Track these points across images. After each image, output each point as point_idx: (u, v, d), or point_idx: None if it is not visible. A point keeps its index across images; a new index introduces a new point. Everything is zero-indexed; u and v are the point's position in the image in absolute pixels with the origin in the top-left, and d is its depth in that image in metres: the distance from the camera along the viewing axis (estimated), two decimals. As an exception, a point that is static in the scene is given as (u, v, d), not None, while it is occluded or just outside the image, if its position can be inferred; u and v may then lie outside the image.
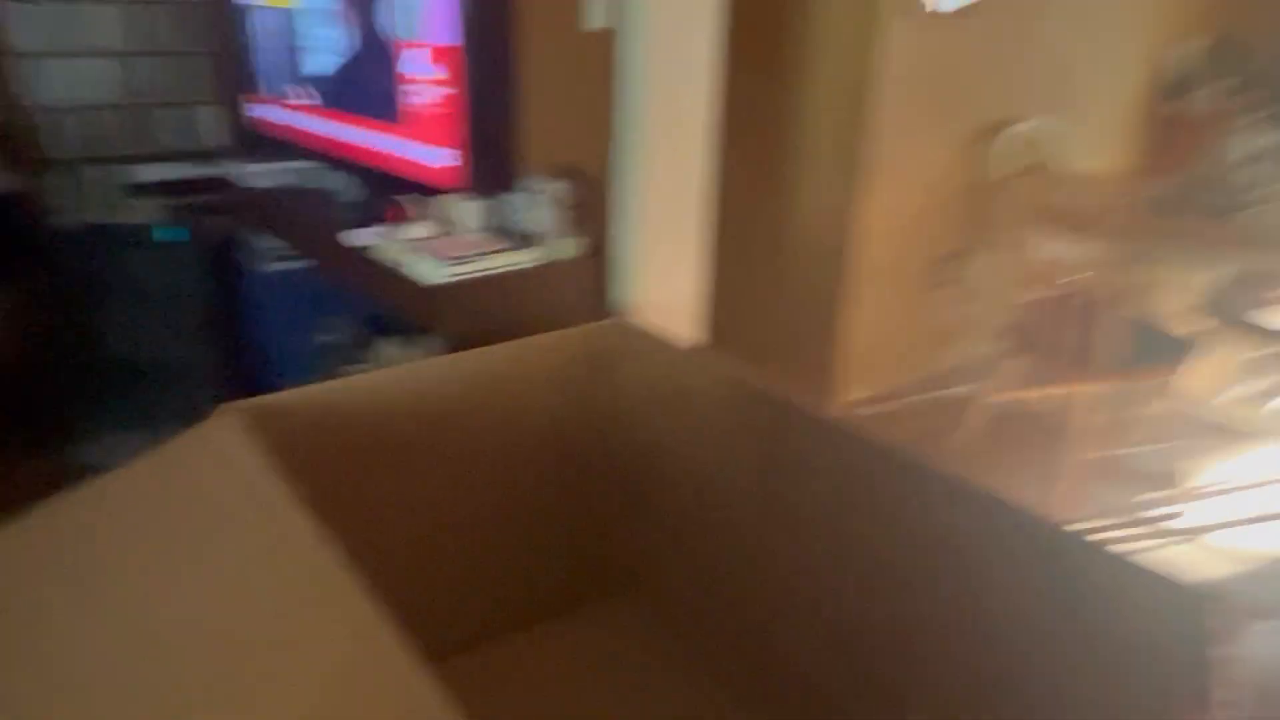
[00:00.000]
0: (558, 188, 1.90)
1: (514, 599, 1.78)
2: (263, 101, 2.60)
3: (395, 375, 1.57)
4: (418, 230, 1.88)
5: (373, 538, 1.56)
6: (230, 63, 2.74)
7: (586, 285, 1.98)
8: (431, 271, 1.76)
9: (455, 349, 1.78)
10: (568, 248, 1.93)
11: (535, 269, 1.88)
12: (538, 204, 1.88)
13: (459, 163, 1.95)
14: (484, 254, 1.80)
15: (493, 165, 1.94)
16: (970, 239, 3.28)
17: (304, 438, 1.48)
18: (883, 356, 3.20)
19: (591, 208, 1.99)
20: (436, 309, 1.77)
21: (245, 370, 2.72)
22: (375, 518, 1.55)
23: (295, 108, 2.44)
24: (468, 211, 1.91)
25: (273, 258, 2.53)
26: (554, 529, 1.80)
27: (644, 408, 1.82)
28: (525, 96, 1.94)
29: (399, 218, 2.03)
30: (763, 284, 3.25)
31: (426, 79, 1.97)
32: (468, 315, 1.79)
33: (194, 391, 2.55)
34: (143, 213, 2.55)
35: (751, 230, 3.28)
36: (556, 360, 1.78)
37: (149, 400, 2.55)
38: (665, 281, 2.05)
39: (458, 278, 1.77)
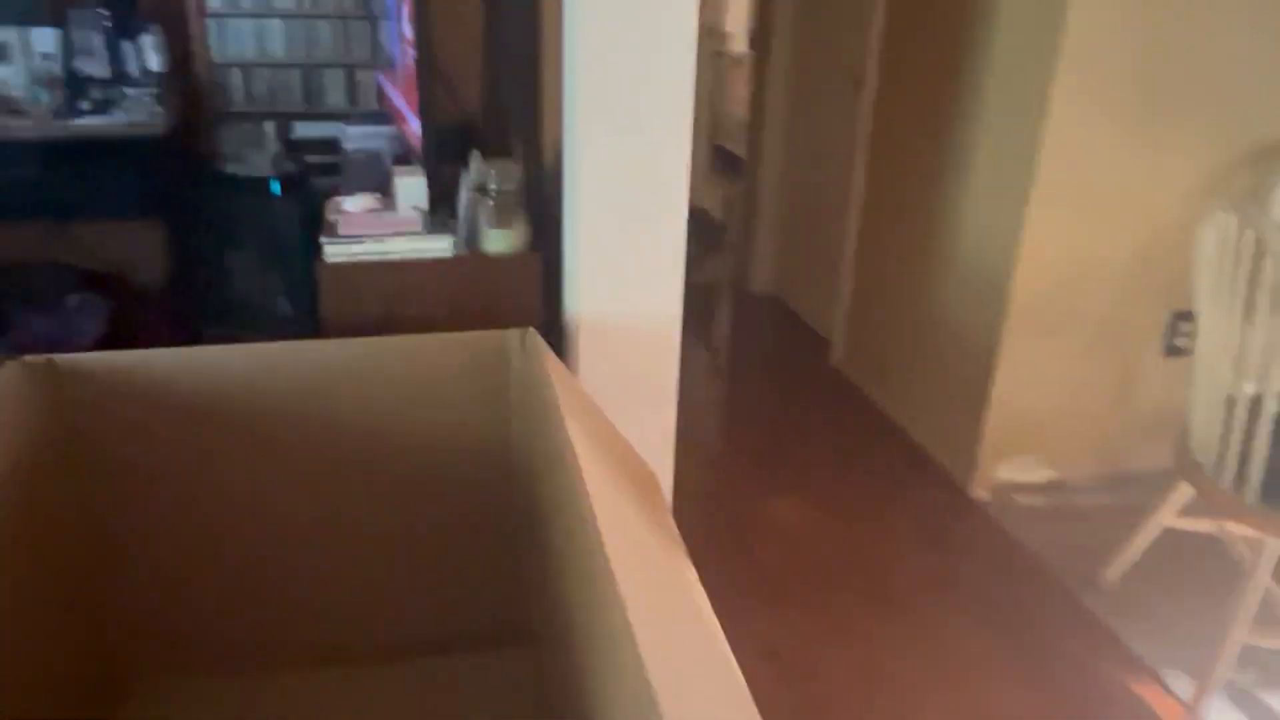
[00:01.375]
0: (498, 170, 1.63)
1: (369, 626, 1.58)
2: (379, 66, 2.62)
3: (237, 353, 1.45)
4: (354, 203, 1.73)
5: (183, 525, 1.46)
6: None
7: (521, 286, 1.69)
8: (324, 248, 1.60)
9: (337, 336, 1.61)
10: (502, 240, 1.65)
11: (456, 261, 1.64)
12: (471, 187, 1.63)
13: (418, 133, 1.77)
14: (382, 236, 1.60)
15: (438, 137, 1.72)
16: (1211, 297, 2.35)
17: (111, 405, 1.41)
18: (1058, 432, 2.44)
19: (543, 196, 1.69)
20: (324, 289, 1.60)
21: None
22: (186, 505, 1.45)
23: (384, 72, 2.41)
24: (407, 187, 1.71)
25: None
26: (415, 556, 1.57)
27: (530, 437, 1.52)
28: (476, 60, 1.69)
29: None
30: (921, 316, 2.64)
31: (408, 39, 1.80)
32: (350, 301, 1.60)
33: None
34: (276, 166, 2.70)
35: (907, 250, 2.68)
36: (439, 365, 1.54)
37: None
38: (624, 291, 1.68)
39: (344, 258, 1.59)
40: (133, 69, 2.73)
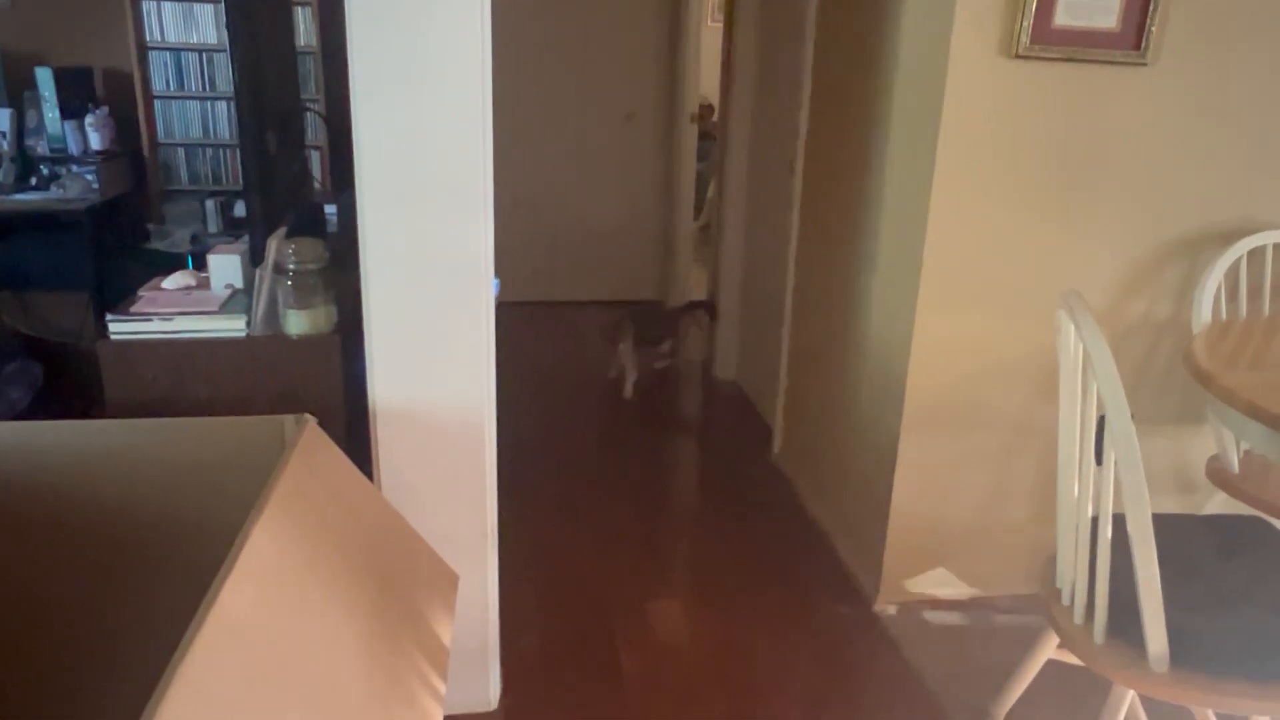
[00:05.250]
0: (299, 249, 1.59)
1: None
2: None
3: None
4: (173, 280, 1.70)
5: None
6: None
7: (324, 369, 1.62)
8: (109, 326, 1.56)
9: (121, 416, 1.57)
10: (303, 322, 1.59)
11: (250, 342, 1.59)
12: (269, 267, 1.59)
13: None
14: (170, 314, 1.56)
15: (256, 216, 1.69)
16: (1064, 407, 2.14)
17: None
18: (977, 543, 2.24)
19: (343, 276, 1.64)
20: (106, 368, 1.57)
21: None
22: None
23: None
24: (220, 265, 1.68)
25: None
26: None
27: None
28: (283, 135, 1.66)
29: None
30: (839, 413, 2.48)
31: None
32: (134, 381, 1.56)
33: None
34: (194, 244, 2.73)
35: (828, 345, 2.54)
36: (209, 451, 1.48)
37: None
38: (428, 378, 1.60)
39: (129, 336, 1.55)
40: (77, 148, 2.83)
